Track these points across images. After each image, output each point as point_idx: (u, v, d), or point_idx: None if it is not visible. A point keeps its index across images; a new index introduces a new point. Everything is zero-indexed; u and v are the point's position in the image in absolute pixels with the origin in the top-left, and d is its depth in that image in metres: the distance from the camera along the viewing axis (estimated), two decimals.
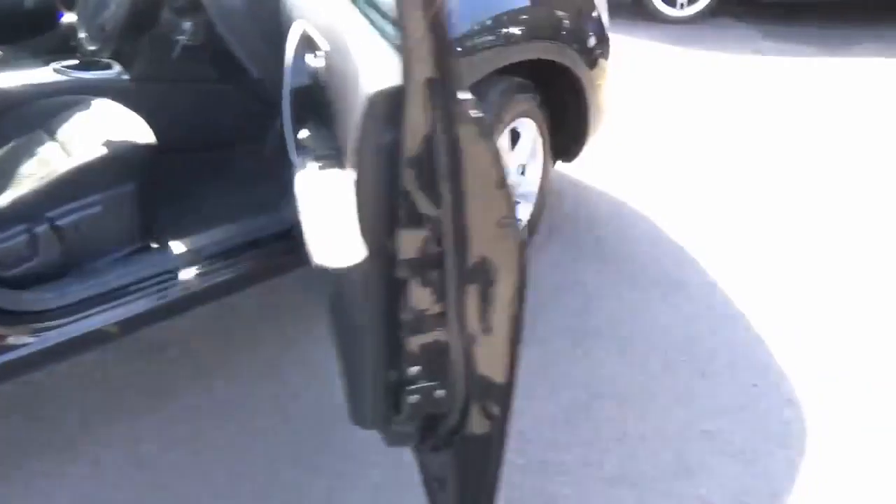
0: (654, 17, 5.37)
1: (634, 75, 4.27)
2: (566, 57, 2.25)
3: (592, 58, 2.39)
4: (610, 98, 2.62)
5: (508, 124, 2.25)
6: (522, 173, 2.48)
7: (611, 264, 2.52)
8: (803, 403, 1.93)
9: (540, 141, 2.48)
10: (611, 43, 2.55)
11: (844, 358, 2.10)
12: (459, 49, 1.93)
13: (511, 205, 1.10)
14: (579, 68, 2.31)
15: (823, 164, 3.22)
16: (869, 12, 5.39)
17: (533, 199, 2.54)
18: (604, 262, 2.53)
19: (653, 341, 2.16)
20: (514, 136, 2.38)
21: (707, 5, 5.38)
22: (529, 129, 2.39)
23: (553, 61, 2.26)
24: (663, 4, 5.39)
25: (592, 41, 2.37)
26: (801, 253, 2.58)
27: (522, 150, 2.39)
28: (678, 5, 5.38)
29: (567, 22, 2.26)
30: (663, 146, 3.36)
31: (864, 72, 4.35)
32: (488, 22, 2.03)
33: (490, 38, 2.05)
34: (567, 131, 2.58)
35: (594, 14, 2.41)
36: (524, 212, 2.55)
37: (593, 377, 2.02)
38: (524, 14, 2.17)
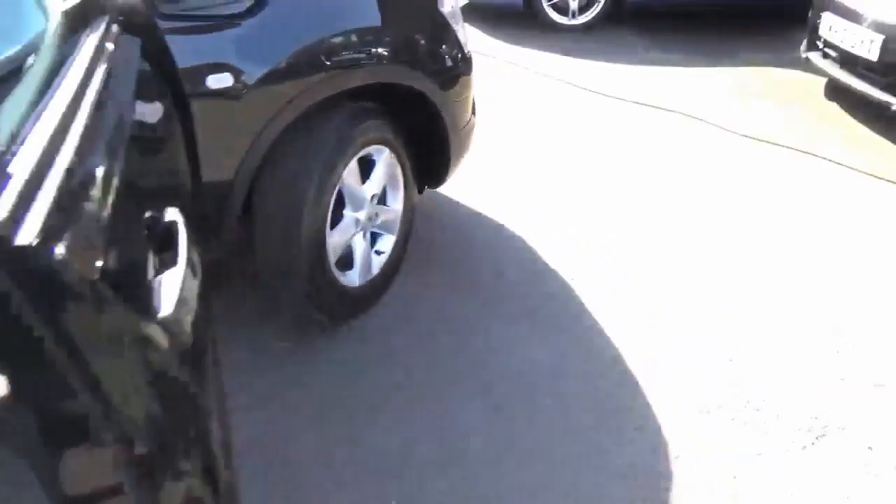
0: (546, 27, 5.33)
1: (517, 89, 4.19)
2: (416, 81, 2.09)
3: (449, 78, 2.24)
4: (471, 119, 2.48)
5: (356, 153, 2.06)
6: (380, 202, 2.31)
7: (485, 296, 2.37)
8: (675, 445, 1.83)
9: (399, 168, 2.31)
10: (471, 59, 2.41)
11: (719, 392, 2.02)
12: (287, 69, 1.74)
13: None
14: (433, 91, 2.16)
15: (706, 178, 3.20)
16: (750, 21, 5.55)
17: (395, 231, 2.37)
18: (478, 294, 2.38)
19: (518, 383, 2.02)
20: (369, 165, 2.19)
21: (597, 14, 5.38)
22: (385, 157, 2.21)
23: (404, 85, 2.09)
24: (555, 13, 5.36)
25: (448, 61, 2.22)
26: (678, 281, 2.51)
27: (377, 179, 2.21)
28: (570, 14, 5.36)
29: (415, 42, 2.10)
30: (542, 164, 3.26)
31: (746, 79, 4.42)
32: (322, 43, 1.84)
33: (324, 60, 1.85)
34: (431, 156, 2.42)
35: (448, 31, 2.25)
36: (386, 244, 2.37)
37: (449, 431, 1.86)
38: (365, 35, 1.97)
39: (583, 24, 5.40)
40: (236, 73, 1.65)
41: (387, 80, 2.02)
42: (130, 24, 1.40)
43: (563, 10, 5.36)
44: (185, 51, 1.56)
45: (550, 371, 2.06)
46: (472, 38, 5.17)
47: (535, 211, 2.85)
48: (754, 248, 2.67)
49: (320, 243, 2.01)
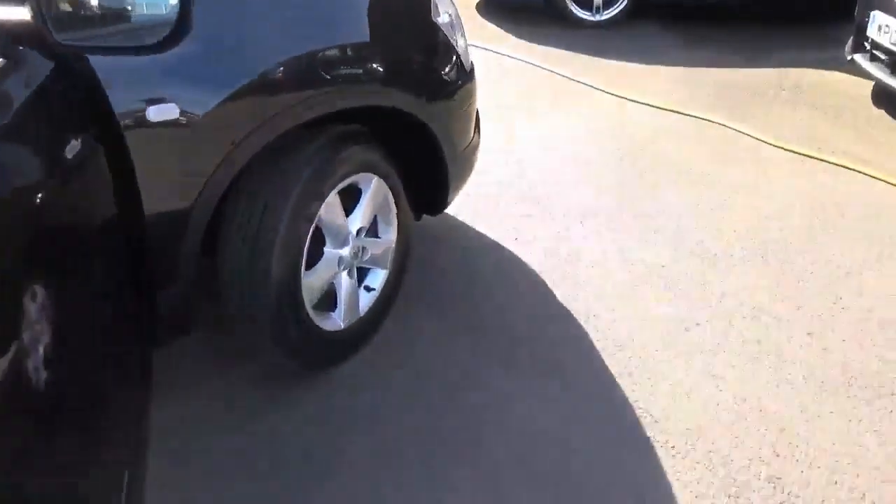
0: (568, 23, 5.02)
1: (536, 92, 3.90)
2: (406, 102, 1.83)
3: (445, 96, 1.97)
4: (473, 139, 2.21)
5: (337, 184, 1.81)
6: (370, 234, 2.06)
7: (486, 341, 2.09)
8: None
9: (390, 196, 2.05)
10: (472, 71, 2.14)
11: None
12: (243, 97, 1.49)
13: None
14: (426, 113, 1.89)
15: (745, 200, 2.89)
16: (787, 18, 5.16)
17: (388, 264, 2.12)
18: (478, 339, 2.10)
19: (517, 451, 1.76)
20: (356, 194, 1.94)
21: (622, 10, 5.05)
22: (374, 185, 1.96)
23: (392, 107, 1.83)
24: (578, 9, 5.04)
25: (443, 77, 1.95)
26: (711, 334, 2.22)
27: (364, 211, 1.95)
28: (594, 9, 5.03)
29: (403, 58, 1.83)
30: (564, 183, 2.98)
31: (784, 82, 4.07)
32: (287, 65, 1.58)
33: (290, 85, 1.60)
34: (428, 180, 2.16)
35: (443, 43, 1.98)
36: (377, 280, 2.12)
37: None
38: (341, 52, 1.70)
39: (607, 20, 5.07)
40: (182, 103, 1.41)
41: (369, 103, 1.75)
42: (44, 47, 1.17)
43: (585, 4, 5.04)
44: (118, 77, 1.33)
45: (554, 439, 1.79)
46: (488, 35, 4.94)
47: (551, 240, 2.57)
48: (802, 284, 2.37)
49: (293, 286, 1.76)
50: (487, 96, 3.71)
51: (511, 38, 4.80)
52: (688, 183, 2.96)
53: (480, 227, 2.63)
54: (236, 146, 1.50)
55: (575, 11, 5.03)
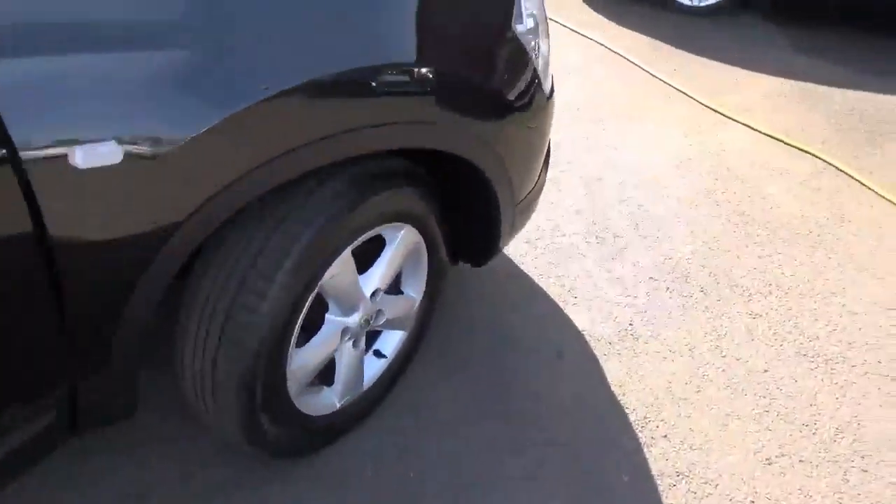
0: (660, 5, 4.36)
1: (614, 89, 3.31)
2: (455, 142, 1.33)
3: (510, 133, 1.47)
4: (539, 179, 1.72)
5: (356, 239, 1.34)
6: (395, 291, 1.61)
7: (513, 438, 1.64)
8: None
9: (424, 246, 1.59)
10: (551, 94, 1.63)
11: None
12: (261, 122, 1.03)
13: None
14: (482, 156, 1.40)
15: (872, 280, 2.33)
16: None
17: (408, 327, 1.68)
18: (504, 432, 1.64)
19: None
20: (377, 244, 1.48)
21: None
22: (404, 236, 1.49)
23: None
24: None
25: (511, 108, 1.44)
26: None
27: (386, 269, 1.49)
28: None
29: (459, 84, 1.31)
30: (632, 217, 2.45)
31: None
32: (303, 88, 1.09)
33: (304, 113, 1.12)
34: (475, 227, 1.69)
35: (521, 62, 1.45)
36: (391, 343, 1.68)
37: None
38: (376, 75, 1.16)
39: (707, 6, 4.39)
40: (130, 142, 0.96)
41: (402, 145, 1.26)
42: None
43: None
44: (20, 102, 0.88)
45: None
46: (573, 8, 4.31)
47: (618, 307, 2.08)
48: None
49: (277, 383, 1.32)
50: (560, 90, 3.18)
51: (598, 18, 4.18)
52: (804, 246, 2.38)
53: (528, 269, 2.15)
54: (206, 204, 1.05)
55: None
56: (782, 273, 2.23)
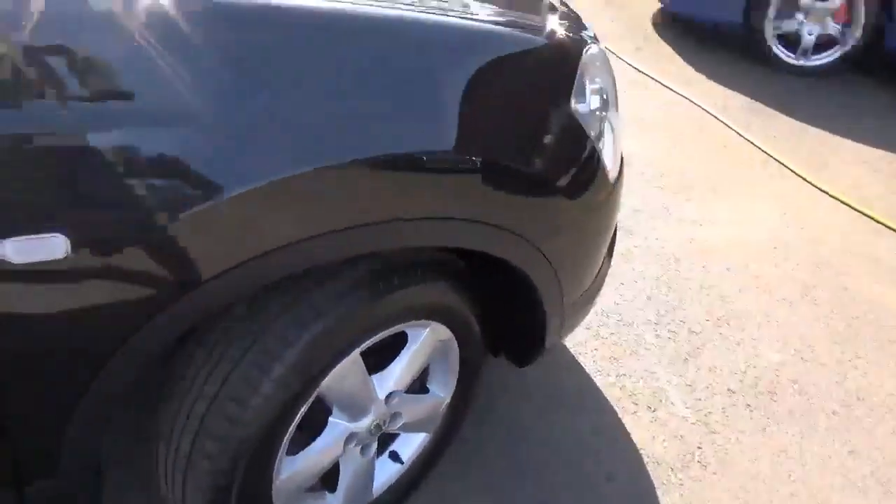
0: (765, 61, 4.01)
1: (700, 156, 2.99)
2: (495, 242, 1.09)
3: (562, 230, 1.22)
4: (600, 271, 1.46)
5: (370, 338, 1.12)
6: (420, 387, 1.38)
7: None
8: None
9: (455, 342, 1.35)
10: (619, 184, 1.37)
11: None
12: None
13: None
14: (528, 258, 1.15)
15: None
16: None
17: (432, 429, 1.44)
18: None
19: None
20: (395, 339, 1.26)
21: (841, 56, 3.96)
22: (428, 333, 1.26)
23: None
24: (782, 49, 4.00)
25: (566, 200, 1.19)
26: None
27: (406, 369, 1.26)
28: (801, 51, 3.98)
29: (504, 174, 1.07)
30: (710, 307, 2.13)
31: None
32: (314, 175, 0.89)
33: (311, 204, 0.91)
34: (515, 320, 1.44)
35: (580, 146, 1.19)
36: (411, 447, 1.44)
37: None
38: (410, 164, 0.94)
39: (816, 66, 4.01)
40: (81, 231, 0.77)
41: (433, 243, 1.04)
42: None
43: (792, 43, 4.00)
44: None
45: None
46: (663, 58, 4.03)
47: (687, 425, 1.78)
48: None
49: (259, 478, 1.12)
50: (643, 150, 2.89)
51: (693, 73, 3.87)
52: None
53: (585, 361, 1.87)
54: (177, 300, 0.85)
55: (775, 49, 4.00)
56: (894, 400, 1.86)
